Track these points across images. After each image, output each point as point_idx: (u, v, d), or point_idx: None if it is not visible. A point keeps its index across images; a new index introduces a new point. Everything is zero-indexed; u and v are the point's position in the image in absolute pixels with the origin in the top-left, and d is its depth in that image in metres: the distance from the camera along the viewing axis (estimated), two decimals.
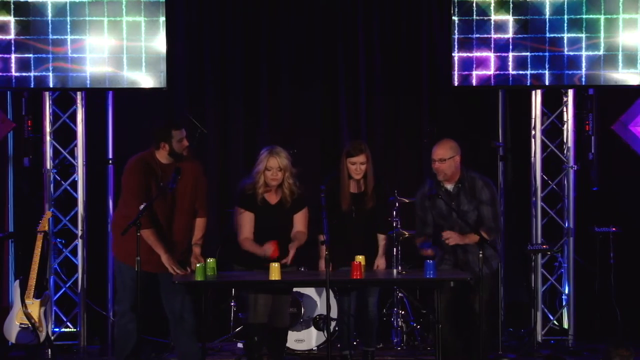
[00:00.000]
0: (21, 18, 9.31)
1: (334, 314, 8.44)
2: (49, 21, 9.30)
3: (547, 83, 9.50)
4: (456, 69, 9.45)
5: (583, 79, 9.47)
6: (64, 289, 9.75)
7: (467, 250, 7.89)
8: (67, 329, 9.76)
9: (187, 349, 7.90)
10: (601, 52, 9.44)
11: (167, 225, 7.81)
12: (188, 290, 7.77)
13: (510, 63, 9.45)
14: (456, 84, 9.48)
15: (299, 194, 7.94)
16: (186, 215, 7.88)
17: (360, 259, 7.64)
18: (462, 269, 7.88)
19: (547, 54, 9.44)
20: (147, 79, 9.39)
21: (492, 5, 9.43)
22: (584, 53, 9.44)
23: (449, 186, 7.93)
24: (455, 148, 7.91)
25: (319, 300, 9.19)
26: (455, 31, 9.43)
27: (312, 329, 9.16)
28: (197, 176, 7.93)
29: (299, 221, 7.97)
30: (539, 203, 9.78)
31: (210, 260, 7.64)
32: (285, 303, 8.07)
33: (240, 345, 9.26)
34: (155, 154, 7.84)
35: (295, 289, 8.97)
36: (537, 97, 9.78)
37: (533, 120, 9.82)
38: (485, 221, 7.87)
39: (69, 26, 9.32)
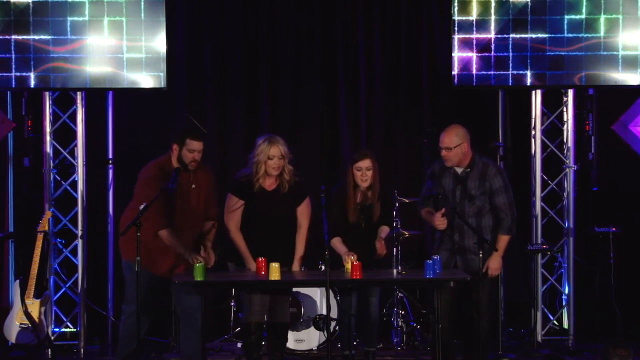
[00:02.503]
0: (21, 18, 9.31)
1: (334, 314, 8.44)
2: (49, 21, 9.30)
3: (547, 83, 9.51)
4: (456, 69, 9.45)
5: (583, 79, 9.47)
6: (64, 289, 9.75)
7: (464, 236, 7.91)
8: (67, 329, 9.76)
9: (192, 348, 7.89)
10: (601, 52, 9.44)
11: (184, 225, 7.82)
12: (200, 290, 7.74)
13: (510, 63, 9.45)
14: (456, 83, 9.49)
15: (296, 181, 7.95)
16: (195, 221, 7.88)
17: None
18: (457, 254, 7.91)
19: (547, 54, 9.44)
20: (147, 79, 9.39)
21: (492, 5, 9.43)
22: (584, 53, 9.44)
23: (459, 169, 7.93)
24: (463, 135, 7.87)
25: (319, 300, 9.19)
26: (455, 31, 9.44)
27: (312, 329, 9.16)
28: (209, 185, 7.94)
29: (303, 216, 7.97)
30: (539, 203, 9.78)
31: (197, 266, 7.56)
32: (284, 299, 8.08)
33: (240, 345, 9.27)
34: (171, 158, 7.83)
35: (295, 289, 8.97)
36: (537, 97, 9.78)
37: (533, 120, 9.83)
38: (501, 213, 7.87)
39: (69, 26, 9.32)
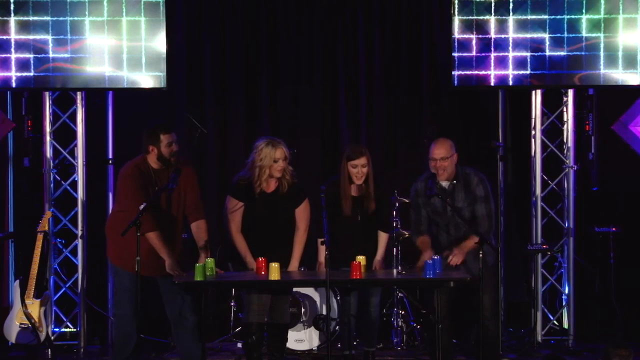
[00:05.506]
0: (21, 18, 9.31)
1: (334, 314, 8.44)
2: (49, 21, 9.31)
3: (547, 83, 9.51)
4: (456, 69, 9.45)
5: (583, 79, 9.47)
6: (64, 289, 9.75)
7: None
8: (67, 329, 9.76)
9: (188, 348, 7.89)
10: (601, 52, 9.44)
11: (166, 228, 7.80)
12: (187, 290, 7.77)
13: (510, 63, 9.45)
14: (456, 84, 9.49)
15: (295, 183, 7.97)
16: (180, 219, 7.88)
17: (360, 259, 7.65)
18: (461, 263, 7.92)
19: (547, 54, 9.44)
20: (147, 79, 9.39)
21: (492, 5, 9.43)
22: (584, 53, 9.44)
23: (444, 183, 7.95)
24: (453, 146, 7.94)
25: (320, 300, 9.19)
26: (455, 31, 9.44)
27: (312, 329, 9.16)
28: (191, 181, 7.88)
29: (301, 218, 7.99)
30: (539, 203, 9.78)
31: (209, 260, 7.63)
32: (284, 300, 8.08)
33: (240, 345, 9.27)
34: (147, 159, 7.81)
35: (295, 289, 8.97)
36: (537, 97, 9.78)
37: (533, 120, 9.82)
38: (479, 220, 7.88)
39: (69, 26, 9.32)
